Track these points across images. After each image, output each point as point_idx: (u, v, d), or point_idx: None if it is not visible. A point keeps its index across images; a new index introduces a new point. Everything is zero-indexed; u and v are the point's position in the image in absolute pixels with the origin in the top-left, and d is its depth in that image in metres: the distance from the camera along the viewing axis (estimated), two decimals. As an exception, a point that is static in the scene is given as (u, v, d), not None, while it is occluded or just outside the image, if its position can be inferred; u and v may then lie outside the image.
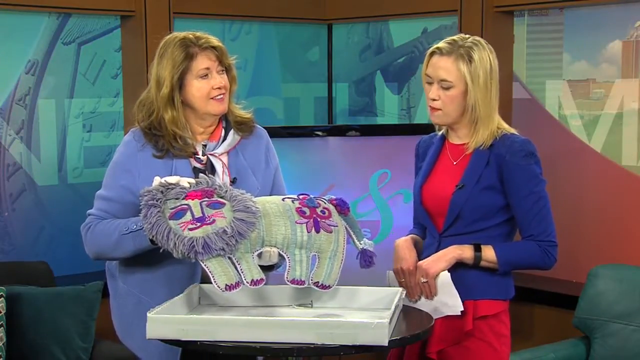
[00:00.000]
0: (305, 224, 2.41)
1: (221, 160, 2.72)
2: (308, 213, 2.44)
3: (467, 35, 2.70)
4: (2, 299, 3.50)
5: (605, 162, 4.06)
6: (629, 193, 3.98)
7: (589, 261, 3.91)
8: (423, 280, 2.64)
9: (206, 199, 2.39)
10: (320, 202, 2.49)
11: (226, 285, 2.30)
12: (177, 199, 2.40)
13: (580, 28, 4.12)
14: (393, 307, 2.36)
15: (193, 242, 2.30)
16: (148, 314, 2.27)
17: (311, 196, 2.50)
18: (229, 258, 2.33)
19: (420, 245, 2.79)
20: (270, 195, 2.74)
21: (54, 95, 4.24)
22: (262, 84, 4.90)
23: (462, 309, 2.62)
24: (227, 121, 2.78)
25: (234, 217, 2.35)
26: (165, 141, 2.67)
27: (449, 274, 2.61)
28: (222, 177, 2.68)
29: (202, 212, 2.36)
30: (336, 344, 2.18)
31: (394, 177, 4.13)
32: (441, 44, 2.66)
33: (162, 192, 2.40)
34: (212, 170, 2.70)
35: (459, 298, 2.61)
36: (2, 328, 3.48)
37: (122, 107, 4.40)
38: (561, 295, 3.99)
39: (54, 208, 4.23)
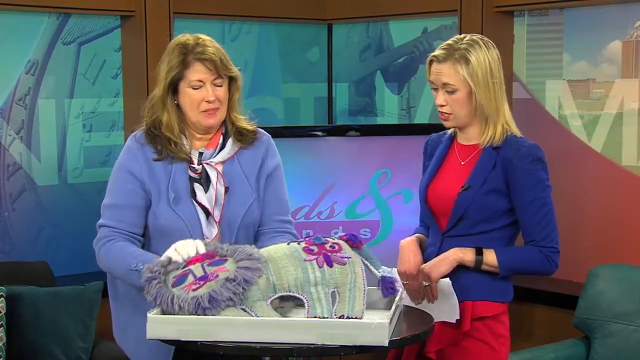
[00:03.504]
0: (315, 260, 2.31)
1: (216, 169, 2.65)
2: (316, 250, 2.33)
3: (463, 36, 2.67)
4: (2, 299, 3.50)
5: (605, 162, 4.05)
6: (629, 193, 3.98)
7: (589, 261, 3.91)
8: (425, 283, 2.64)
9: (207, 260, 2.32)
10: (328, 239, 2.39)
11: None
12: (178, 269, 2.33)
13: (580, 28, 4.12)
14: (393, 307, 2.36)
15: (198, 299, 2.23)
16: (148, 314, 2.26)
17: (318, 236, 2.41)
18: (242, 309, 2.25)
19: (424, 245, 2.78)
20: (265, 196, 2.71)
21: (54, 95, 4.24)
22: (262, 84, 4.90)
23: (458, 317, 2.62)
24: (226, 129, 2.70)
25: (237, 267, 2.27)
26: (162, 143, 2.63)
27: (450, 281, 2.61)
28: (215, 187, 2.62)
29: (205, 271, 2.28)
30: (336, 344, 2.19)
31: (394, 177, 4.12)
32: (437, 51, 2.65)
33: (164, 266, 2.33)
34: (206, 179, 2.63)
35: (457, 306, 2.61)
36: (2, 328, 3.48)
37: (122, 107, 4.39)
38: (561, 295, 3.99)
39: (54, 208, 4.23)
